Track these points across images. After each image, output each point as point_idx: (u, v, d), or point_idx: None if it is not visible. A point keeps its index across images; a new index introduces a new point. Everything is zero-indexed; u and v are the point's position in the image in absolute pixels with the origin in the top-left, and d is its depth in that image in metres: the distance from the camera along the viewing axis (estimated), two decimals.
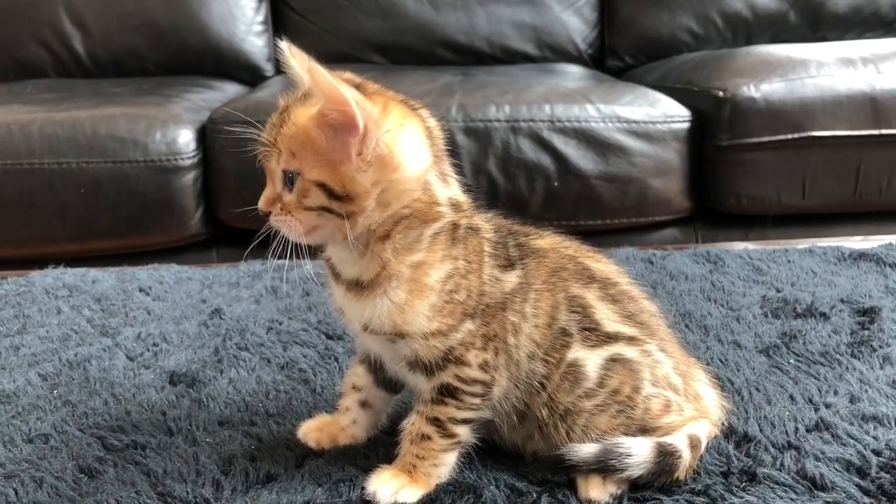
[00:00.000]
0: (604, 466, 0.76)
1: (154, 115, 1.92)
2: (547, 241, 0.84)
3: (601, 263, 0.85)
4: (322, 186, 0.72)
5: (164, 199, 1.85)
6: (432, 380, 0.78)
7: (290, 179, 0.74)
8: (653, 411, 0.80)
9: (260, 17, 2.58)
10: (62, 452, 0.88)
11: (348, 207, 0.72)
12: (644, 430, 0.80)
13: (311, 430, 0.90)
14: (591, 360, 0.79)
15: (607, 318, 0.81)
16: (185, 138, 1.87)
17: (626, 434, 0.79)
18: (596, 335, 0.80)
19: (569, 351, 0.79)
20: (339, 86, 0.69)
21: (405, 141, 0.73)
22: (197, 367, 1.06)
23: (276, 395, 0.99)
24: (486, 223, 0.81)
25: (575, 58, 2.59)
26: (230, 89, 2.35)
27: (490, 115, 1.86)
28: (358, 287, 0.76)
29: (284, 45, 0.76)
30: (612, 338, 0.80)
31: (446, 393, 0.77)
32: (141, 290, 1.35)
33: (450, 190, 0.77)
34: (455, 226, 0.76)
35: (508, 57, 2.58)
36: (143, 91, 2.19)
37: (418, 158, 0.74)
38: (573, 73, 2.37)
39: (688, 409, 0.82)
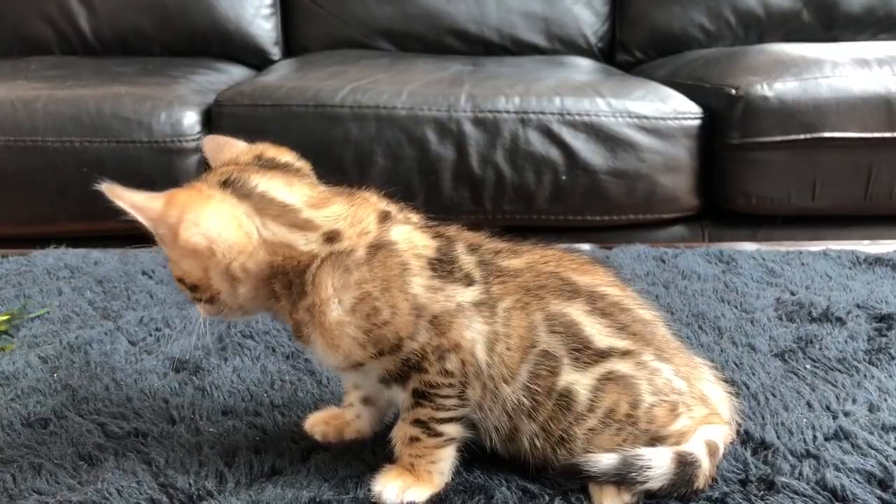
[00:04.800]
0: (622, 479, 0.73)
1: (159, 95, 1.90)
2: (524, 258, 0.80)
3: (588, 276, 0.81)
4: (180, 280, 0.77)
5: (168, 181, 1.77)
6: (406, 386, 0.76)
7: None
8: (659, 419, 0.77)
9: (268, 1, 2.55)
10: (62, 438, 0.86)
11: (202, 294, 0.76)
12: (655, 440, 0.77)
13: (318, 423, 0.88)
14: (581, 382, 0.76)
15: (598, 333, 0.77)
16: (190, 120, 1.85)
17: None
18: (588, 355, 0.76)
19: (559, 377, 0.75)
20: (121, 195, 0.73)
21: (209, 228, 0.72)
22: (200, 354, 1.04)
23: (281, 386, 0.97)
24: (415, 235, 0.76)
25: (585, 51, 2.57)
26: (236, 72, 2.33)
27: (499, 107, 1.84)
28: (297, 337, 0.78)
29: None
30: (604, 355, 0.76)
31: (420, 396, 0.76)
32: (143, 272, 1.33)
33: (313, 231, 0.74)
34: (343, 254, 0.73)
35: (518, 48, 2.56)
36: (148, 71, 2.17)
37: (231, 237, 0.73)
38: (583, 67, 2.35)
39: (697, 409, 0.79)
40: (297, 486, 0.77)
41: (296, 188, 0.75)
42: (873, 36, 2.44)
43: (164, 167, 1.83)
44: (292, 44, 2.62)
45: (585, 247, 1.47)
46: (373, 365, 0.75)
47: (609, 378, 0.76)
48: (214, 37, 2.50)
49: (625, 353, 0.77)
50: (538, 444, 0.77)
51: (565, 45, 2.58)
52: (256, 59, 2.52)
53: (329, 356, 0.76)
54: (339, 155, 1.83)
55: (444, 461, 0.78)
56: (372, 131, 1.83)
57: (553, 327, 0.76)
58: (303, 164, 0.81)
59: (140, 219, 0.74)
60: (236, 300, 0.76)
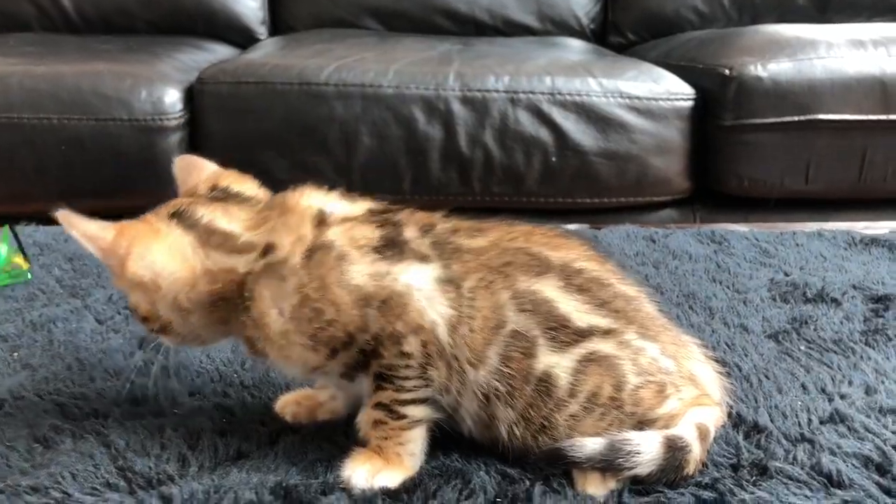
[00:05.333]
0: (609, 465, 0.69)
1: (140, 73, 1.85)
2: (490, 236, 0.75)
3: (562, 250, 0.76)
4: (133, 311, 0.78)
5: (148, 160, 1.79)
6: (367, 371, 0.73)
7: None
8: (646, 402, 0.73)
9: None
10: (17, 419, 0.81)
11: (153, 325, 0.76)
12: (642, 424, 0.73)
13: (289, 404, 0.84)
14: (561, 364, 0.72)
15: (576, 310, 0.73)
16: (172, 98, 1.80)
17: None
18: (566, 334, 0.72)
19: (535, 359, 0.71)
20: (74, 224, 0.76)
21: (154, 261, 0.73)
22: None
23: (252, 366, 0.92)
24: (355, 230, 0.73)
25: (577, 32, 2.53)
26: (221, 51, 2.28)
27: (489, 86, 1.80)
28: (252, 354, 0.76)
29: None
30: (584, 334, 0.72)
31: (381, 379, 0.72)
32: None
33: (252, 251, 0.73)
34: (278, 264, 0.71)
35: (509, 28, 2.51)
36: (130, 49, 2.12)
37: (176, 270, 0.73)
38: (575, 47, 2.30)
39: (686, 390, 0.75)
40: (263, 471, 0.73)
41: (233, 214, 0.74)
42: (868, 19, 2.40)
43: (145, 145, 1.78)
44: (279, 23, 2.56)
45: (570, 227, 1.43)
46: (331, 366, 0.72)
47: (590, 359, 0.72)
48: (200, 15, 2.45)
49: (606, 332, 0.73)
50: (517, 432, 0.72)
51: (557, 26, 2.53)
52: (242, 38, 2.46)
53: (286, 366, 0.74)
54: (324, 133, 1.79)
55: (413, 443, 0.74)
56: (357, 110, 1.78)
57: (522, 306, 0.72)
58: (256, 192, 0.79)
59: (91, 249, 0.76)
60: (190, 329, 0.76)
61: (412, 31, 2.47)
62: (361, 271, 0.70)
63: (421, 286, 0.71)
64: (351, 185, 1.81)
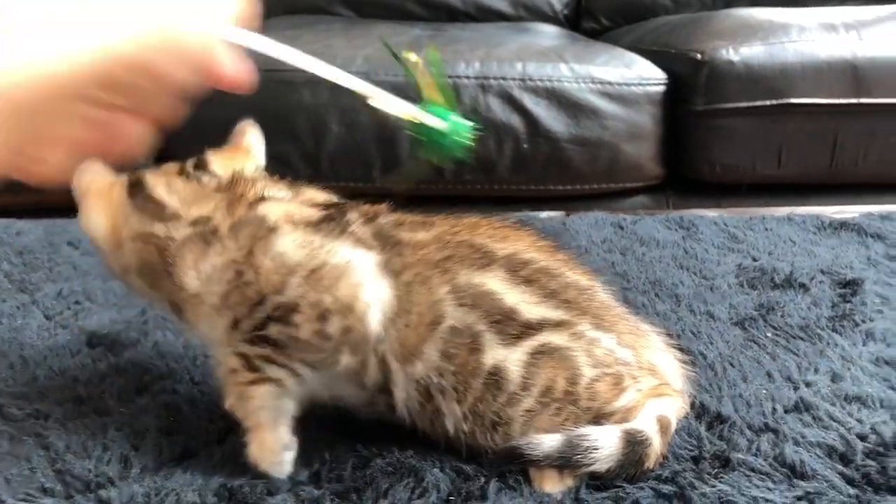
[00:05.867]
0: (567, 462, 0.66)
1: None
2: (433, 230, 0.73)
3: (508, 242, 0.74)
4: None
5: None
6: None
7: None
8: (602, 395, 0.70)
9: None
10: None
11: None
12: (600, 418, 0.70)
13: None
14: (510, 358, 0.69)
15: (524, 302, 0.70)
16: None
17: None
18: (514, 327, 0.69)
19: (482, 354, 0.69)
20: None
21: (89, 220, 0.74)
22: (119, 328, 0.96)
23: (203, 361, 0.89)
24: (292, 207, 0.72)
25: (550, 18, 2.51)
26: None
27: (459, 72, 1.77)
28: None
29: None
30: (535, 326, 0.70)
31: (265, 341, 0.69)
32: (69, 243, 1.24)
33: (178, 220, 0.72)
34: (205, 232, 0.70)
35: (482, 14, 2.49)
36: None
37: (104, 232, 0.74)
38: (547, 33, 2.28)
39: (645, 381, 0.72)
40: (208, 472, 0.70)
41: (175, 187, 0.73)
42: (841, 2, 2.39)
43: None
44: None
45: (542, 214, 1.40)
46: (233, 337, 0.70)
47: (542, 352, 0.69)
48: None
49: (558, 324, 0.70)
50: (465, 427, 0.70)
51: (530, 11, 2.51)
52: None
53: (199, 333, 0.73)
54: (293, 121, 1.75)
55: (256, 400, 0.70)
56: (326, 97, 1.75)
57: (462, 300, 0.69)
58: (228, 174, 0.76)
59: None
60: (141, 292, 0.77)
61: (384, 17, 2.43)
62: (292, 241, 0.68)
63: (361, 265, 0.68)
64: (320, 172, 1.80)
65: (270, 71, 1.86)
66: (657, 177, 1.87)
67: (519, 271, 0.71)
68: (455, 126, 0.64)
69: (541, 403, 0.69)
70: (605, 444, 0.67)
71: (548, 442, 0.67)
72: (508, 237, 0.74)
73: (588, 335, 0.71)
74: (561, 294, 0.72)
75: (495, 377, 0.69)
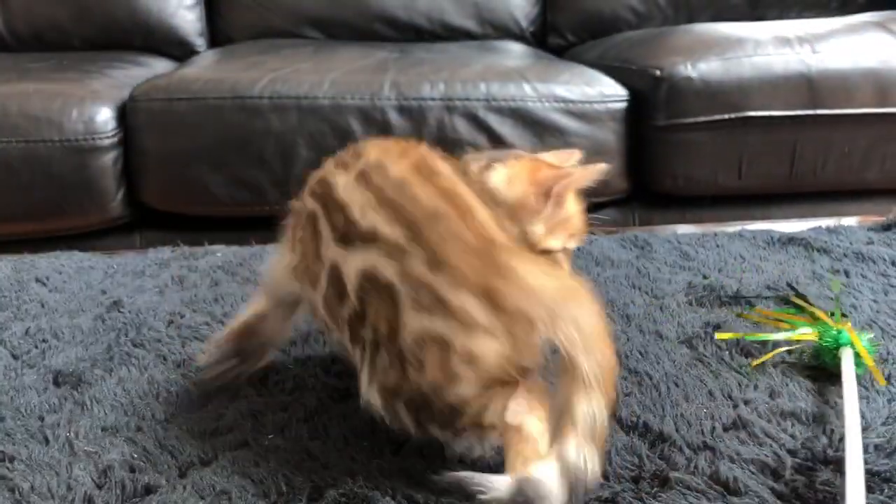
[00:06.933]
0: None
1: (70, 92, 1.84)
2: None
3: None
4: None
5: (82, 181, 1.79)
6: None
7: None
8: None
9: None
10: None
11: None
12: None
13: None
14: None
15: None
16: (104, 116, 1.79)
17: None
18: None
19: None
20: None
21: None
22: (85, 365, 0.98)
23: (167, 397, 0.91)
24: None
25: (517, 35, 2.55)
26: (159, 65, 2.26)
27: (424, 94, 1.81)
28: None
29: None
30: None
31: None
32: (37, 280, 1.26)
33: None
34: None
35: (449, 33, 2.53)
36: (62, 67, 2.10)
37: None
38: (513, 51, 2.32)
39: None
40: None
41: None
42: (799, 14, 2.46)
43: (77, 166, 1.77)
44: (218, 34, 2.55)
45: None
46: None
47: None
48: (135, 29, 2.44)
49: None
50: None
51: (497, 29, 2.55)
52: (181, 51, 2.45)
53: None
54: (261, 147, 1.78)
55: None
56: (294, 122, 1.78)
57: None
58: None
59: None
60: None
61: (353, 38, 2.47)
62: None
63: None
64: (289, 198, 1.82)
65: (236, 98, 1.90)
66: (623, 191, 1.92)
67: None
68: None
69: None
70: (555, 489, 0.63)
71: (499, 484, 0.64)
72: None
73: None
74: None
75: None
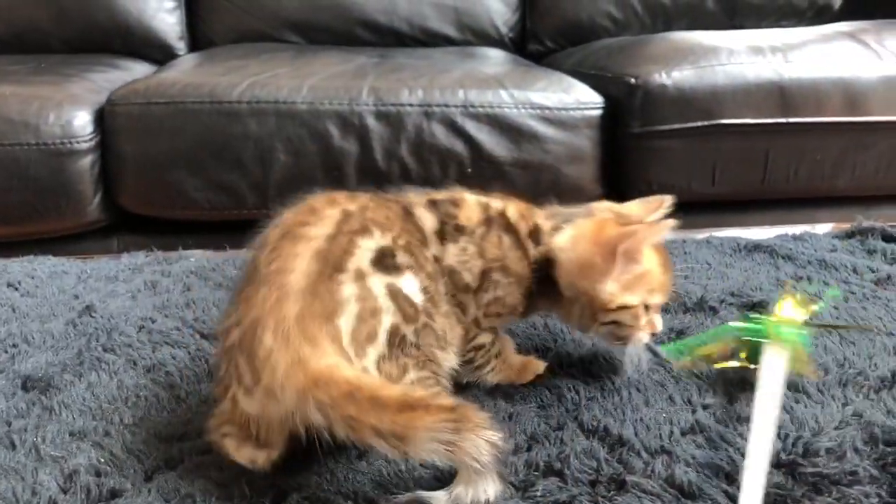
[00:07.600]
0: None
1: (48, 95, 1.83)
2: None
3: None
4: None
5: (59, 185, 1.78)
6: None
7: None
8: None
9: None
10: None
11: None
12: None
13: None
14: None
15: None
16: (82, 120, 1.78)
17: None
18: None
19: None
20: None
21: None
22: (55, 370, 0.99)
23: (135, 402, 0.92)
24: None
25: (496, 41, 2.56)
26: (138, 69, 2.25)
27: (402, 100, 1.81)
28: None
29: None
30: None
31: None
32: (9, 284, 1.26)
33: None
34: None
35: (429, 39, 2.53)
36: (40, 70, 2.08)
37: None
38: (492, 58, 2.33)
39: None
40: None
41: None
42: (775, 23, 2.49)
43: (55, 170, 1.76)
44: (198, 37, 2.54)
45: None
46: None
47: None
48: (115, 32, 2.42)
49: None
50: None
51: (477, 35, 2.56)
52: (161, 54, 2.44)
53: None
54: (239, 151, 1.79)
55: None
56: (272, 127, 1.78)
57: None
58: None
59: None
60: None
61: (333, 42, 2.47)
62: None
63: None
64: (267, 201, 1.82)
65: (215, 103, 1.90)
66: (598, 197, 1.91)
67: None
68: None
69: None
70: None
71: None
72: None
73: None
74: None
75: None
